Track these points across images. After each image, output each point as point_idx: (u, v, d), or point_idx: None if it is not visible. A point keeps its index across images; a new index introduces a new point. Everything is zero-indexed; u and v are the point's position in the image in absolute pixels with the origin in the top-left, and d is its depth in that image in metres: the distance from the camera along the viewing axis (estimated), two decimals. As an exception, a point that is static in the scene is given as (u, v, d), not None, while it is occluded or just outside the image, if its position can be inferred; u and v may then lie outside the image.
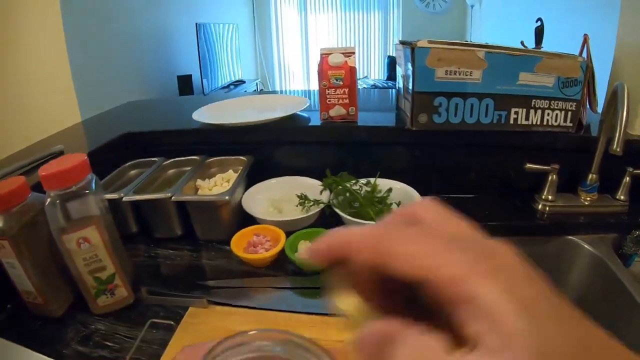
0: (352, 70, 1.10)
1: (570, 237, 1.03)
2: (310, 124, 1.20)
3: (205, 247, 1.00)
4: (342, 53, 1.11)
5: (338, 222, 0.97)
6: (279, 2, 6.63)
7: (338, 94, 1.12)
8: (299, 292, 0.81)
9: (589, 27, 1.43)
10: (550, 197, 1.07)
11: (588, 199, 1.07)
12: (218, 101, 1.44)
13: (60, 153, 1.11)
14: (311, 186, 1.08)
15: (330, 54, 1.11)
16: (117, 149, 1.23)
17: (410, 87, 1.03)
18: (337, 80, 1.10)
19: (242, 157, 1.15)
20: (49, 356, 0.69)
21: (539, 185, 1.09)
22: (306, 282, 0.83)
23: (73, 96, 3.32)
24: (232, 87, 4.86)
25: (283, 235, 0.90)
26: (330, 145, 1.18)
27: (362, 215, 0.94)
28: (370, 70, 6.76)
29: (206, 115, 1.26)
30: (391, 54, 6.43)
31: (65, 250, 0.74)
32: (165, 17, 4.41)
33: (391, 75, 5.99)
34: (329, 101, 1.14)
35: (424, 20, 6.34)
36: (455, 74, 0.99)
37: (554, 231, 1.05)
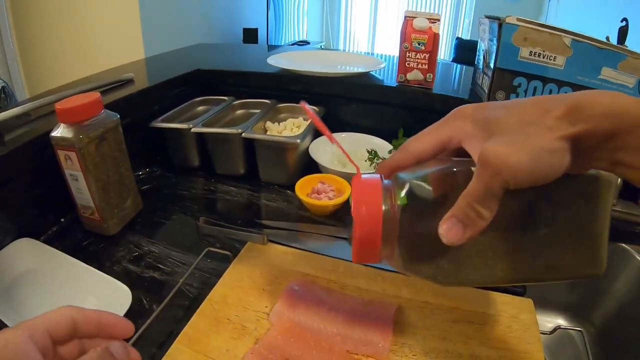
0: (436, 37, 1.06)
1: (623, 244, 1.00)
2: (383, 84, 1.18)
3: (266, 189, 1.00)
4: (428, 18, 1.07)
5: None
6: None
7: (418, 59, 1.09)
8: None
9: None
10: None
11: (648, 211, 1.03)
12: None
13: (130, 81, 1.12)
14: (379, 146, 1.06)
15: (416, 17, 1.08)
16: (186, 84, 1.23)
17: (492, 63, 0.99)
18: (419, 45, 1.07)
19: (314, 107, 1.14)
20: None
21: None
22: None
23: (140, 41, 3.36)
24: (296, 46, 4.83)
25: (348, 187, 0.89)
26: (402, 108, 1.15)
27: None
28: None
29: (282, 61, 1.24)
30: (460, 36, 6.23)
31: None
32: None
33: (458, 58, 5.82)
34: (408, 64, 1.11)
35: (499, 5, 6.12)
36: (539, 56, 0.95)
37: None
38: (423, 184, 0.40)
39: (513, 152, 0.33)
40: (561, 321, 1.10)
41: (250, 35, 4.24)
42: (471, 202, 0.35)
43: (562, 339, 1.04)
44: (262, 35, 4.30)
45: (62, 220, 0.85)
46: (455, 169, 0.40)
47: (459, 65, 1.54)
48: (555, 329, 0.87)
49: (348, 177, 0.93)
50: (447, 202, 0.37)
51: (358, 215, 0.40)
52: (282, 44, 4.60)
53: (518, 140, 0.34)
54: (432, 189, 0.39)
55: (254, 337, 0.58)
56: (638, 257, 0.96)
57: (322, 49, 5.12)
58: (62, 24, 3.55)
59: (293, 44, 4.78)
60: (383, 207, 0.40)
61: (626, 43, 1.09)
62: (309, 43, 5.13)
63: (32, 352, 0.34)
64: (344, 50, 5.54)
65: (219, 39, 4.10)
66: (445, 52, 6.48)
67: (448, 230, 0.36)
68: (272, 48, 1.68)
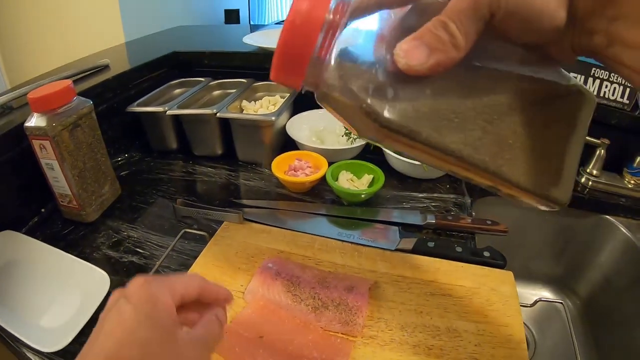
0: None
1: (607, 216, 0.99)
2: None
3: (244, 168, 1.00)
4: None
5: (381, 158, 0.95)
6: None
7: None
8: (334, 221, 0.79)
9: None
10: (594, 172, 1.02)
11: (632, 181, 1.02)
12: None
13: (106, 67, 1.10)
14: (356, 121, 1.05)
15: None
16: (163, 67, 1.22)
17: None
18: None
19: (288, 85, 1.12)
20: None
21: (585, 158, 1.04)
22: (343, 211, 0.82)
23: (120, 26, 3.32)
24: (280, 25, 4.78)
25: (325, 163, 0.88)
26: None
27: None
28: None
29: (258, 39, 1.23)
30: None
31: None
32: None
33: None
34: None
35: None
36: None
37: (592, 207, 1.00)
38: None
39: None
40: (546, 293, 1.11)
41: (231, 16, 4.20)
42: (446, 20, 0.28)
43: (547, 310, 1.04)
44: (244, 15, 4.27)
45: (43, 210, 0.85)
46: None
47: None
48: (536, 302, 0.87)
49: (325, 153, 0.93)
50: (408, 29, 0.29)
51: (296, 4, 0.31)
52: (265, 23, 4.56)
53: None
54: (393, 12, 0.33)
55: (230, 316, 0.58)
56: (622, 229, 0.96)
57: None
58: (39, 13, 3.51)
59: (277, 23, 4.74)
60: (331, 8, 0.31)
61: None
62: (292, 22, 5.09)
63: (174, 313, 0.38)
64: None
65: (200, 21, 4.05)
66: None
67: (408, 51, 0.28)
68: (254, 28, 1.66)
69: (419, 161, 0.37)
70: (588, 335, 1.00)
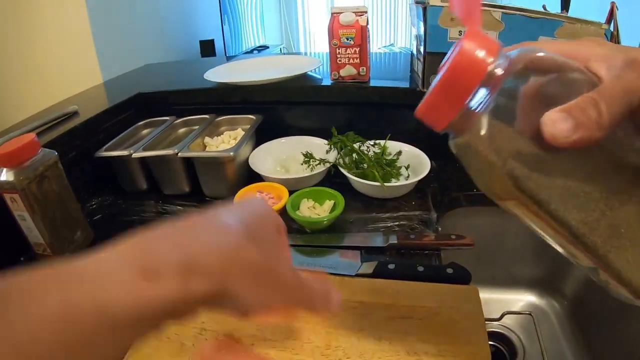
0: (363, 30, 1.08)
1: None
2: (320, 84, 1.19)
3: (212, 204, 0.99)
4: (354, 12, 1.09)
5: (344, 182, 0.97)
6: (306, -37, 6.46)
7: (349, 54, 1.11)
8: (298, 250, 0.81)
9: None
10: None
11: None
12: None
13: (75, 114, 1.12)
14: (319, 146, 1.08)
15: (341, 12, 1.10)
16: (131, 108, 1.24)
17: (422, 48, 1.00)
18: (347, 40, 1.09)
19: (251, 116, 1.15)
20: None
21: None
22: (307, 240, 0.83)
23: (96, 66, 3.32)
24: (255, 52, 4.82)
25: (286, 193, 0.90)
26: (340, 105, 1.17)
27: (368, 177, 0.93)
28: (397, 38, 6.58)
29: (218, 74, 1.25)
30: (418, 22, 6.24)
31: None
32: (187, -21, 4.36)
33: (417, 44, 5.83)
34: (340, 61, 1.12)
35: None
36: (469, 34, 0.95)
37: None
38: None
39: None
40: (532, 297, 1.11)
41: (207, 47, 4.22)
42: (597, 99, 0.29)
43: (535, 314, 1.04)
44: (219, 45, 4.29)
45: (22, 259, 0.86)
46: (581, 67, 0.33)
47: (394, 54, 1.54)
48: (502, 315, 0.87)
49: (288, 182, 0.95)
50: (559, 99, 0.30)
51: (463, 49, 0.32)
52: (242, 51, 4.59)
53: None
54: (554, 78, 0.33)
55: (193, 353, 0.59)
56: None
57: (282, 52, 5.12)
58: (12, 59, 3.49)
59: (252, 51, 4.77)
60: (494, 59, 0.32)
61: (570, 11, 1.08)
62: (268, 48, 5.13)
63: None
64: (304, 54, 5.55)
65: (176, 55, 4.08)
66: (405, 39, 6.50)
67: (556, 121, 0.29)
68: (230, 58, 1.69)
69: (531, 227, 0.37)
70: (577, 334, 1.00)
